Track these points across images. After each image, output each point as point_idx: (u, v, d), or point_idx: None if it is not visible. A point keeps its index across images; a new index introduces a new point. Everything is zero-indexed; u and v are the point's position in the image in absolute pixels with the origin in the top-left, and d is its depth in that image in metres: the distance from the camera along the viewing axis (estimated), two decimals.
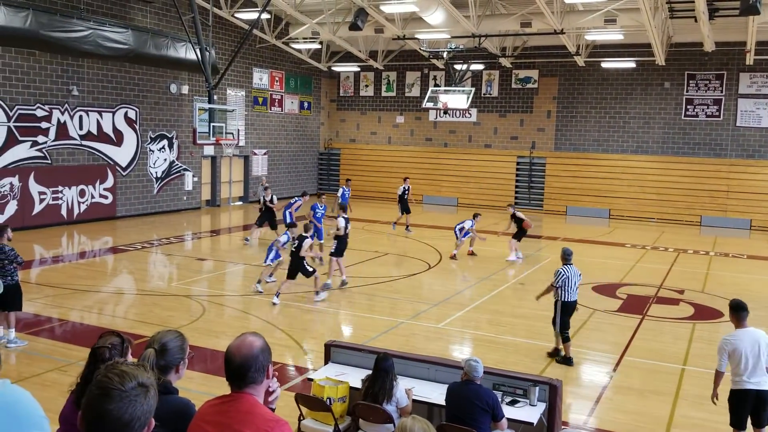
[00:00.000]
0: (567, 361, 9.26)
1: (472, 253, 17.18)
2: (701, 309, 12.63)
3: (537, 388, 6.24)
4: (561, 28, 20.66)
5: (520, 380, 6.43)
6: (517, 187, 28.49)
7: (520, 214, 16.89)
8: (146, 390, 2.00)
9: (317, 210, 16.65)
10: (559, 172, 27.59)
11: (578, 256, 17.66)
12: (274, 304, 11.86)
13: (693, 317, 12.05)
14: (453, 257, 16.52)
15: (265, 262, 13.10)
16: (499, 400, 5.98)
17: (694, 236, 22.55)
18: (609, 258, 17.84)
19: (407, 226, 20.67)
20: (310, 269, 12.10)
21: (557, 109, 27.63)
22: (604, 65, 25.66)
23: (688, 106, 25.48)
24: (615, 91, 26.62)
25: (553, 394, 6.26)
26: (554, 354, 9.46)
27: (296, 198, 17.79)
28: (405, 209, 20.60)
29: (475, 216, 17.12)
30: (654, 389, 8.48)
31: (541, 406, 6.21)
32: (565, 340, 9.32)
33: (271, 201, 17.45)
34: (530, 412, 6.12)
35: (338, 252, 13.30)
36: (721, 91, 24.95)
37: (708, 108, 25.20)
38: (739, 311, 6.46)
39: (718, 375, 6.38)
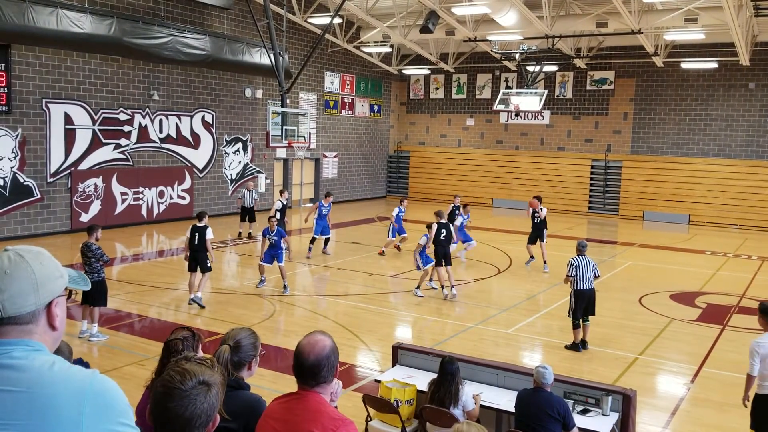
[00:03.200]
0: (574, 347, 9.74)
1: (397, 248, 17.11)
2: None
3: (610, 397, 6.07)
4: (639, 27, 20.04)
5: (592, 389, 6.27)
6: (591, 191, 27.81)
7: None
8: (208, 388, 1.99)
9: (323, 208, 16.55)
10: (635, 176, 26.77)
11: (656, 263, 17.27)
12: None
13: None
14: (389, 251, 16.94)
15: (419, 269, 13.07)
16: (570, 408, 5.85)
17: None
18: (688, 265, 17.18)
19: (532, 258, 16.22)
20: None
21: (634, 111, 26.82)
22: (684, 66, 24.74)
23: None
24: (696, 93, 25.63)
25: (626, 404, 6.08)
26: (573, 347, 9.79)
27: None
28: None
29: (401, 201, 17.16)
30: (735, 403, 8.09)
31: (614, 416, 6.04)
32: (575, 326, 9.72)
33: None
34: (602, 422, 5.95)
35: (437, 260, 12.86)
36: None
37: None
38: (766, 315, 6.47)
39: (750, 379, 6.33)
